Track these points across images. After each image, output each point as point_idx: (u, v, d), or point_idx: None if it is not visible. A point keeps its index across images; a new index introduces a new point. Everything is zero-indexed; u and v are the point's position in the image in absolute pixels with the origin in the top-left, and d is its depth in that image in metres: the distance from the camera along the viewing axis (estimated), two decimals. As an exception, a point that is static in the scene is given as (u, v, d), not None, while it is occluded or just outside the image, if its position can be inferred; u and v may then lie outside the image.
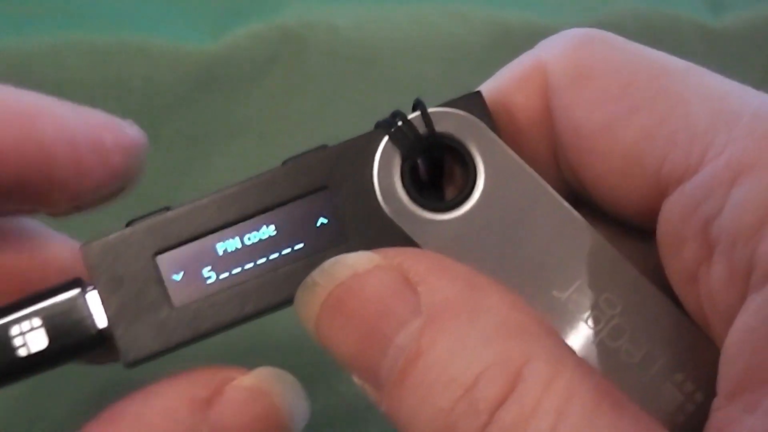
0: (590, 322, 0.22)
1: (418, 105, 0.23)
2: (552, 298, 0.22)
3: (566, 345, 0.20)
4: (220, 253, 0.23)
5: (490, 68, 0.26)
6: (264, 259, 0.23)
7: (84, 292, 0.22)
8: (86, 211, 0.24)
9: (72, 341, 0.22)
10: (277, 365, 0.23)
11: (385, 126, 0.23)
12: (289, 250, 0.23)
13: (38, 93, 0.23)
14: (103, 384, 0.35)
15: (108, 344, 0.22)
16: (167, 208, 0.23)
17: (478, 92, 0.23)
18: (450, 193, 0.24)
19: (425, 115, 0.23)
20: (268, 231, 0.23)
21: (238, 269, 0.23)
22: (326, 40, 0.44)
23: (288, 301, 0.22)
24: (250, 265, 0.23)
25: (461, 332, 0.19)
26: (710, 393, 0.20)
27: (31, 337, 0.22)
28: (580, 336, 0.22)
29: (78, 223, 0.25)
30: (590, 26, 0.26)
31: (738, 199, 0.20)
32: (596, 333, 0.22)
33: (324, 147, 0.23)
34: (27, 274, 0.24)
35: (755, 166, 0.20)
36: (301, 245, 0.23)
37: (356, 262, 0.21)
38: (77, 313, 0.22)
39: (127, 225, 0.23)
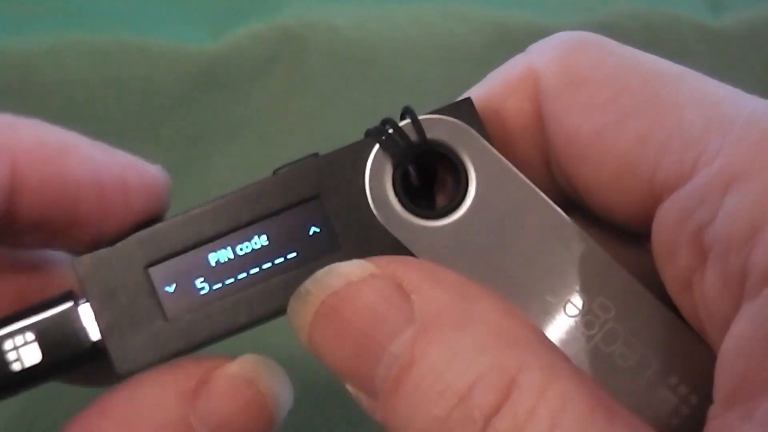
0: (584, 326, 0.22)
1: (407, 113, 0.23)
2: (546, 303, 0.22)
3: (560, 352, 0.20)
4: (213, 263, 0.23)
5: (490, 68, 0.26)
6: (257, 269, 0.23)
7: (77, 305, 0.23)
8: None
9: (65, 355, 0.22)
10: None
11: (375, 134, 0.23)
12: (281, 259, 0.23)
13: (66, 130, 0.23)
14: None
15: (102, 357, 0.22)
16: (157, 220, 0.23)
17: (469, 99, 0.23)
18: (441, 199, 0.24)
19: (416, 123, 0.23)
20: (261, 241, 0.23)
21: (231, 280, 0.23)
22: (326, 40, 0.44)
23: (282, 311, 0.22)
24: (243, 275, 0.23)
25: (455, 340, 0.19)
26: (704, 396, 0.20)
27: (24, 351, 0.22)
28: (574, 341, 0.22)
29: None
30: (590, 26, 0.26)
31: (730, 207, 0.20)
32: (590, 337, 0.22)
33: (315, 155, 0.23)
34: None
35: (748, 172, 0.20)
36: (293, 254, 0.23)
37: (349, 270, 0.21)
38: (70, 326, 0.22)
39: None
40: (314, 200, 0.23)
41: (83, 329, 0.22)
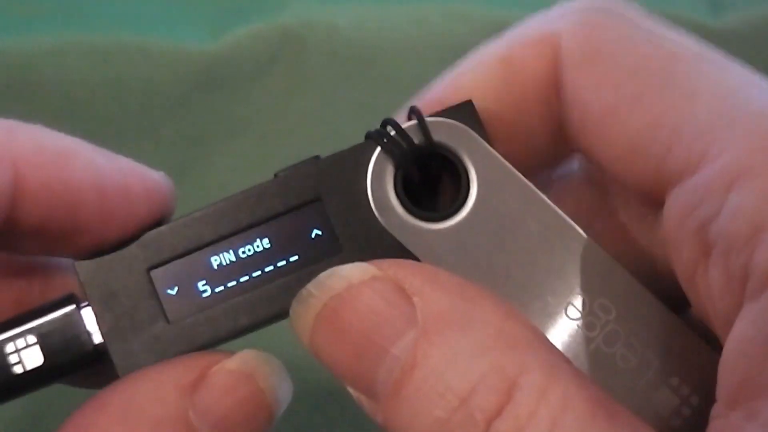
0: (586, 327, 0.22)
1: (413, 114, 0.23)
2: (547, 305, 0.22)
3: (561, 354, 0.20)
4: (215, 266, 0.23)
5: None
6: (259, 272, 0.23)
7: (78, 308, 0.22)
8: None
9: (67, 358, 0.22)
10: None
11: (376, 136, 0.23)
12: (283, 262, 0.23)
13: (68, 136, 0.23)
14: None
15: (104, 360, 0.22)
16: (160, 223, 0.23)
17: (470, 102, 0.23)
18: (442, 201, 0.24)
19: (422, 126, 0.23)
20: (263, 244, 0.23)
21: (233, 282, 0.23)
22: (326, 40, 0.44)
23: (284, 314, 0.22)
24: (245, 278, 0.23)
25: (457, 342, 0.19)
26: (706, 397, 0.20)
27: (26, 354, 0.22)
28: (575, 342, 0.22)
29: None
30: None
31: (734, 205, 0.19)
32: (592, 339, 0.22)
33: (317, 158, 0.23)
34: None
35: (752, 170, 0.19)
36: (295, 257, 0.23)
37: (351, 273, 0.21)
38: (72, 329, 0.22)
39: None
40: (316, 203, 0.23)
41: (85, 332, 0.22)
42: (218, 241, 0.23)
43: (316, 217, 0.23)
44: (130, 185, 0.23)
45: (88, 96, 0.42)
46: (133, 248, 0.23)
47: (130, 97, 0.42)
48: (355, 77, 0.44)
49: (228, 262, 0.23)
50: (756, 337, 0.19)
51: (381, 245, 0.22)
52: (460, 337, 0.20)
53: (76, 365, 0.22)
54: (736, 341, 0.19)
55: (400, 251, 0.22)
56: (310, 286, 0.21)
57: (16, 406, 0.23)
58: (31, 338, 0.22)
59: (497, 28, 0.24)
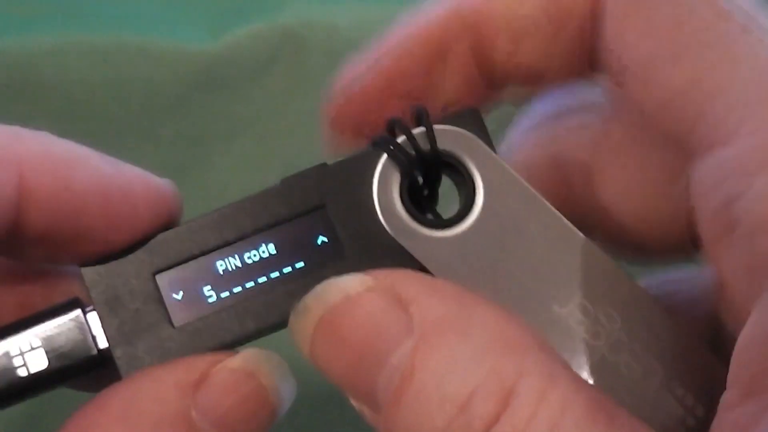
0: (591, 336, 0.22)
1: (421, 119, 0.23)
2: (552, 313, 0.22)
3: (560, 358, 0.20)
4: (220, 271, 0.23)
5: (489, 68, 0.26)
6: (264, 278, 0.23)
7: (83, 312, 0.22)
8: None
9: (72, 362, 0.22)
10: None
11: (383, 143, 0.23)
12: (289, 268, 0.23)
13: (74, 143, 0.23)
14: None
15: (108, 364, 0.22)
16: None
17: (476, 109, 0.23)
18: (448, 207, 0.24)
19: (430, 134, 0.23)
20: (268, 249, 0.23)
21: (239, 288, 0.23)
22: (326, 40, 0.44)
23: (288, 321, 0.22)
24: (251, 283, 0.23)
25: (454, 350, 0.20)
26: (711, 406, 0.20)
27: (30, 357, 0.22)
28: (580, 351, 0.22)
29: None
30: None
31: (761, 187, 0.19)
32: (597, 348, 0.22)
33: (323, 165, 0.23)
34: None
35: None
36: (301, 263, 0.23)
37: (348, 284, 0.21)
38: (77, 333, 0.22)
39: None
40: (322, 209, 0.23)
41: (90, 336, 0.22)
42: (224, 247, 0.23)
43: (322, 223, 0.23)
44: (135, 192, 0.23)
45: (88, 96, 0.42)
46: (138, 253, 0.23)
47: (130, 97, 0.42)
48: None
49: (233, 267, 0.23)
50: None
51: (386, 252, 0.22)
52: (457, 344, 0.20)
53: (80, 369, 0.22)
54: (754, 330, 0.19)
55: (405, 258, 0.22)
56: (307, 299, 0.21)
57: (15, 406, 0.23)
58: (36, 342, 0.22)
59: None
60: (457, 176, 0.23)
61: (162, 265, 0.22)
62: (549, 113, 0.26)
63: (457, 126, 0.23)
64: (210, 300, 0.22)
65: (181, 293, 0.22)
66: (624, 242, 0.25)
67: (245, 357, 0.22)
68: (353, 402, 0.21)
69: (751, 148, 0.19)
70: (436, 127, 0.23)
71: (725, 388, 0.20)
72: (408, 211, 0.22)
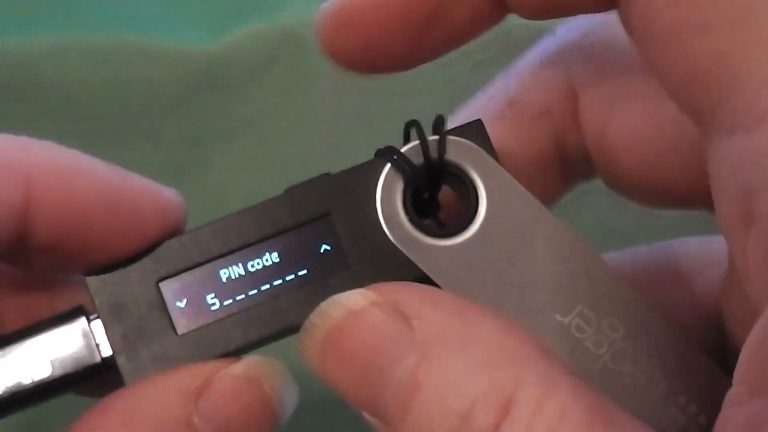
0: (593, 345, 0.22)
1: (438, 130, 0.23)
2: (555, 322, 0.22)
3: (561, 365, 0.20)
4: (224, 279, 0.23)
5: (489, 68, 0.26)
6: (267, 286, 0.23)
7: (88, 320, 0.23)
8: None
9: (75, 370, 0.22)
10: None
11: (386, 153, 0.23)
12: (292, 276, 0.23)
13: (80, 153, 0.23)
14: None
15: (112, 372, 0.23)
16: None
17: (479, 120, 0.23)
18: (452, 217, 0.24)
19: (442, 143, 0.23)
20: (272, 258, 0.23)
21: (242, 296, 0.23)
22: (326, 40, 0.44)
23: (292, 328, 0.22)
24: (254, 291, 0.23)
25: (455, 362, 0.20)
26: (713, 416, 0.20)
27: (34, 365, 0.22)
28: (583, 360, 0.22)
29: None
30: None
31: None
32: (599, 357, 0.22)
33: (327, 175, 0.23)
34: None
35: None
36: (304, 272, 0.23)
37: (350, 300, 0.21)
38: (81, 341, 0.22)
39: None
40: (325, 218, 0.23)
41: (94, 344, 0.22)
42: (227, 255, 0.23)
43: (325, 231, 0.23)
44: (141, 203, 0.23)
45: (88, 96, 0.42)
46: (142, 261, 0.23)
47: (130, 97, 0.42)
48: (355, 77, 0.44)
49: (237, 275, 0.23)
50: None
51: (389, 261, 0.23)
52: (458, 357, 0.20)
53: (84, 377, 0.23)
54: (767, 327, 0.19)
55: (408, 267, 0.22)
56: (313, 317, 0.22)
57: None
58: (40, 350, 0.22)
59: (497, 28, 0.24)
60: (460, 186, 0.23)
61: (166, 273, 0.23)
62: (569, 41, 0.25)
63: (460, 137, 0.23)
64: (213, 308, 0.23)
65: (184, 301, 0.23)
66: (631, 185, 0.24)
67: (248, 364, 0.22)
68: (366, 417, 0.21)
69: None
70: (435, 138, 0.23)
71: (729, 390, 0.19)
72: (411, 219, 0.23)
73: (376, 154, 0.23)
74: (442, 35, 0.23)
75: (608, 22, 0.24)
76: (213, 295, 0.23)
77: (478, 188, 0.23)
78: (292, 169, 0.42)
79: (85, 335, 0.22)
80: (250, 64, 0.44)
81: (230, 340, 0.22)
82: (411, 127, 0.23)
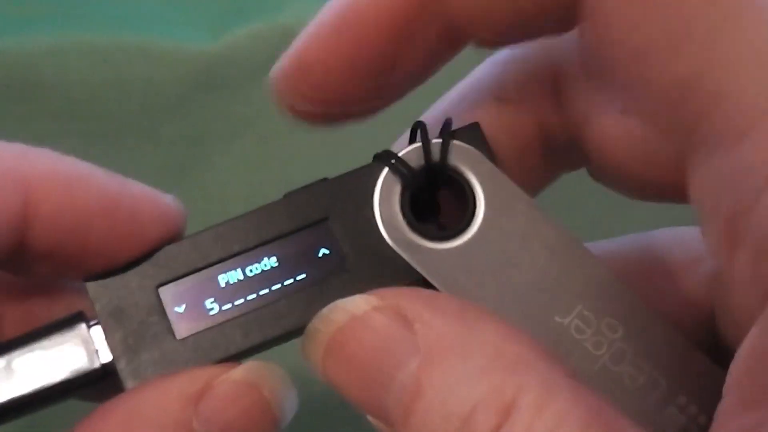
0: (592, 346, 0.23)
1: (444, 133, 0.23)
2: (554, 324, 0.22)
3: (561, 369, 0.20)
4: (222, 284, 0.23)
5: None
6: (266, 290, 0.23)
7: (88, 326, 0.23)
8: None
9: (76, 376, 0.22)
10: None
11: (384, 157, 0.23)
12: (291, 280, 0.23)
13: (79, 160, 0.23)
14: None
15: (112, 377, 0.23)
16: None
17: (477, 123, 0.23)
18: (449, 220, 0.24)
19: (444, 147, 0.23)
20: (270, 262, 0.23)
21: (241, 301, 0.23)
22: (326, 40, 0.44)
23: (291, 333, 0.22)
24: (253, 296, 0.23)
25: (457, 367, 0.20)
26: (713, 416, 0.20)
27: (34, 371, 0.22)
28: (583, 361, 0.22)
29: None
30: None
31: None
32: (599, 357, 0.22)
33: (325, 180, 0.23)
34: None
35: None
36: (303, 276, 0.23)
37: (353, 305, 0.21)
38: (81, 347, 0.22)
39: None
40: (324, 222, 0.23)
41: (93, 350, 0.23)
42: (226, 260, 0.23)
43: (324, 236, 0.23)
44: (140, 210, 0.23)
45: (88, 96, 0.42)
46: (141, 266, 0.23)
47: (130, 97, 0.42)
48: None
49: (236, 280, 0.23)
50: None
51: (388, 264, 0.23)
52: (460, 361, 0.20)
53: (84, 383, 0.23)
54: (755, 344, 0.19)
55: (407, 270, 0.23)
56: (315, 322, 0.22)
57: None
58: (40, 355, 0.22)
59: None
60: (459, 189, 0.23)
61: (165, 279, 0.23)
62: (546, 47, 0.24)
63: (458, 140, 0.23)
64: (212, 312, 0.23)
65: (183, 306, 0.23)
66: (616, 177, 0.24)
67: (247, 369, 0.22)
68: (371, 420, 0.21)
69: (759, 158, 0.19)
70: (438, 142, 0.23)
71: (720, 402, 0.20)
72: (409, 223, 0.23)
73: (374, 158, 0.23)
74: (400, 79, 0.22)
75: None
76: (212, 299, 0.23)
77: (476, 191, 0.23)
78: (291, 169, 0.42)
79: (84, 341, 0.23)
80: (250, 64, 0.44)
81: (229, 344, 0.22)
82: (417, 129, 0.23)
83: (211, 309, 0.23)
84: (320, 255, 0.23)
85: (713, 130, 0.19)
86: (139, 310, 0.23)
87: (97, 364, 0.22)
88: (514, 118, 0.24)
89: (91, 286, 0.23)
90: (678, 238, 0.25)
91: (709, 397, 0.22)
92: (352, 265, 0.23)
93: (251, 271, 0.23)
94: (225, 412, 0.22)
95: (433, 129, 0.23)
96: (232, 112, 0.43)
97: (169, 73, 0.43)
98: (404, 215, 0.23)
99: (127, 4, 0.45)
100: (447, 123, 0.23)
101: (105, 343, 0.22)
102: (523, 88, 0.24)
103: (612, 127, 0.23)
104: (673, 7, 0.20)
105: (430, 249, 0.23)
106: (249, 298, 0.23)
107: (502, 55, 0.25)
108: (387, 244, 0.23)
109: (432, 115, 0.24)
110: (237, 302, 0.23)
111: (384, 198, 0.23)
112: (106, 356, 0.22)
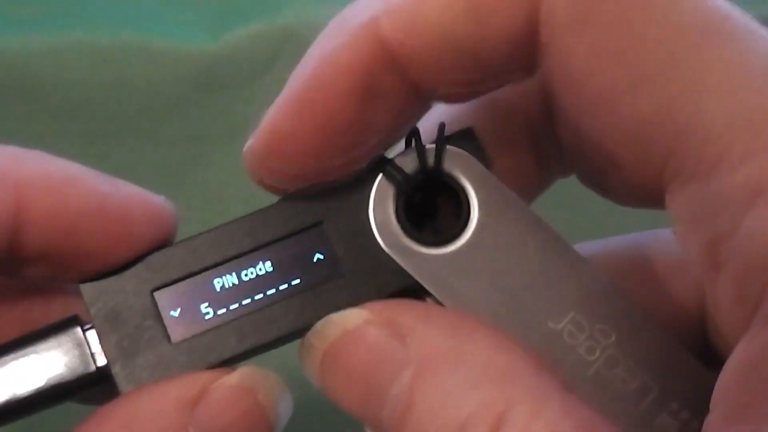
0: (586, 352, 0.22)
1: (415, 140, 0.23)
2: (547, 329, 0.22)
3: (552, 380, 0.20)
4: (218, 289, 0.23)
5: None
6: (261, 295, 0.23)
7: (83, 329, 0.23)
8: None
9: (71, 379, 0.22)
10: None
11: (379, 162, 0.23)
12: (285, 285, 0.23)
13: (70, 162, 0.23)
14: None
15: (107, 380, 0.23)
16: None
17: (471, 128, 0.23)
18: (444, 225, 0.24)
19: (438, 153, 0.23)
20: (265, 267, 0.23)
21: (236, 305, 0.23)
22: (326, 40, 0.44)
23: (286, 337, 0.23)
24: (248, 300, 0.23)
25: (448, 380, 0.20)
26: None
27: (29, 375, 0.22)
28: (576, 366, 0.22)
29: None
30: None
31: (753, 227, 0.19)
32: (592, 363, 0.22)
33: (320, 184, 0.23)
34: None
35: None
36: (297, 280, 0.23)
37: (345, 319, 0.21)
38: (76, 351, 0.22)
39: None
40: (318, 227, 0.23)
41: (89, 354, 0.23)
42: (221, 264, 0.23)
43: (319, 241, 0.23)
44: (131, 211, 0.23)
45: (88, 96, 0.42)
46: (136, 270, 0.23)
47: (130, 97, 0.42)
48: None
49: (231, 284, 0.23)
50: (764, 364, 0.19)
51: (383, 269, 0.23)
52: (451, 375, 0.20)
53: (79, 386, 0.23)
54: (741, 360, 0.19)
55: (401, 275, 0.23)
56: (310, 336, 0.22)
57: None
58: (35, 359, 0.22)
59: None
60: (453, 194, 0.23)
61: (160, 282, 0.23)
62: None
63: (452, 145, 0.23)
64: (207, 317, 0.23)
65: (179, 310, 0.23)
66: (601, 183, 0.24)
67: (243, 374, 0.22)
68: (367, 430, 0.21)
69: (739, 184, 0.19)
70: (433, 147, 0.23)
71: (706, 416, 0.20)
72: (403, 228, 0.23)
73: (368, 163, 0.23)
74: (374, 140, 0.22)
75: None
76: (207, 304, 0.23)
77: (470, 196, 0.23)
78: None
79: (80, 345, 0.23)
80: (250, 64, 0.44)
81: (224, 348, 0.23)
82: (412, 136, 0.23)
83: (207, 313, 0.23)
84: (315, 260, 0.23)
85: (686, 162, 0.20)
86: (135, 314, 0.23)
87: (92, 368, 0.22)
88: (506, 125, 0.24)
89: (86, 290, 0.23)
90: (670, 239, 0.25)
91: (702, 402, 0.22)
92: (347, 269, 0.23)
93: (246, 275, 0.23)
94: (221, 417, 0.22)
95: (430, 135, 0.23)
96: (232, 112, 0.43)
97: (169, 73, 0.43)
98: (399, 220, 0.23)
99: (127, 4, 0.45)
100: (440, 128, 0.23)
101: (100, 346, 0.22)
102: (514, 95, 0.24)
103: (602, 131, 0.23)
104: (631, 47, 0.20)
105: (425, 254, 0.23)
106: (244, 302, 0.23)
107: None
108: (382, 249, 0.23)
109: (427, 122, 0.24)
110: (232, 306, 0.23)
111: (379, 203, 0.23)
112: (101, 359, 0.22)
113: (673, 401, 0.22)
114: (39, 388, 0.22)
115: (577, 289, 0.23)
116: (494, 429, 0.19)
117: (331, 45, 0.21)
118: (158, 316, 0.23)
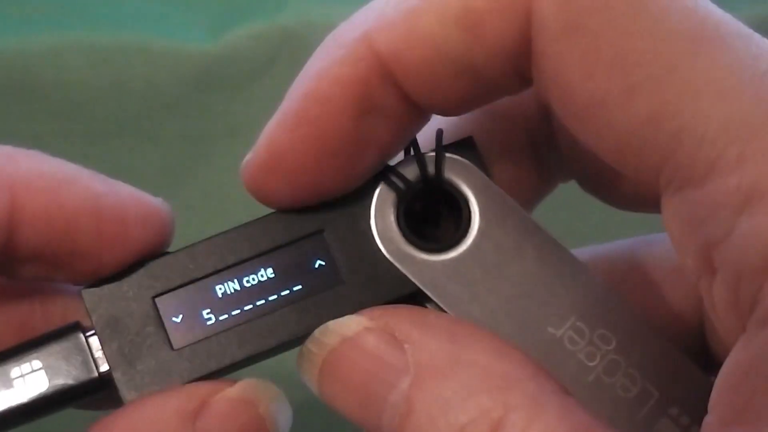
0: (586, 358, 0.23)
1: (437, 146, 0.23)
2: (548, 335, 0.22)
3: (550, 385, 0.20)
4: (219, 295, 0.23)
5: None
6: (263, 301, 0.23)
7: (85, 336, 0.23)
8: None
9: (73, 385, 0.22)
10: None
11: (380, 171, 0.23)
12: (287, 292, 0.23)
13: (66, 162, 0.23)
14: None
15: (109, 387, 0.23)
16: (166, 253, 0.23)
17: (471, 138, 0.23)
18: (445, 231, 0.24)
19: (439, 161, 0.23)
20: (266, 273, 0.23)
21: (237, 311, 0.23)
22: (326, 40, 0.44)
23: (287, 343, 0.23)
24: (249, 307, 0.23)
25: (445, 387, 0.20)
26: None
27: (31, 381, 0.22)
28: (576, 372, 0.22)
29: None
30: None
31: (746, 230, 0.19)
32: (592, 369, 0.22)
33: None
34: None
35: None
36: (299, 287, 0.23)
37: (343, 327, 0.21)
38: (78, 356, 0.23)
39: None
40: (319, 234, 0.23)
41: (91, 360, 0.23)
42: (223, 271, 0.23)
43: (320, 248, 0.23)
44: (127, 211, 0.23)
45: (88, 96, 0.42)
46: (138, 276, 0.23)
47: (130, 97, 0.43)
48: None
49: (232, 290, 0.23)
50: (760, 366, 0.19)
51: (384, 276, 0.23)
52: (449, 381, 0.20)
53: (81, 393, 0.23)
54: (737, 362, 0.19)
55: (402, 282, 0.23)
56: (308, 344, 0.22)
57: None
58: (37, 365, 0.22)
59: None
60: (454, 202, 0.23)
61: (162, 289, 0.23)
62: None
63: (452, 153, 0.23)
64: (209, 323, 0.23)
65: (180, 316, 0.23)
66: (600, 189, 0.24)
67: (244, 386, 0.22)
68: None
69: (732, 189, 0.19)
70: (430, 155, 0.23)
71: (704, 418, 0.20)
72: (404, 235, 0.23)
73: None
74: (369, 160, 0.22)
75: None
76: (209, 310, 0.23)
77: (470, 203, 0.23)
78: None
79: (81, 351, 0.23)
80: (250, 64, 0.44)
81: (226, 354, 0.23)
82: (411, 144, 0.23)
83: (208, 319, 0.23)
84: (316, 266, 0.23)
85: (680, 168, 0.20)
86: (136, 320, 0.23)
87: (94, 374, 0.22)
88: (506, 132, 0.24)
89: (88, 296, 0.23)
90: (667, 244, 0.25)
91: (701, 407, 0.22)
92: (348, 276, 0.23)
93: (248, 281, 0.23)
94: (222, 429, 0.22)
95: (429, 143, 0.23)
96: (232, 112, 0.43)
97: (169, 73, 0.43)
98: (400, 227, 0.23)
99: (127, 4, 0.45)
100: (438, 135, 0.23)
101: (102, 352, 0.22)
102: (514, 102, 0.24)
103: (601, 138, 0.23)
104: (623, 54, 0.20)
105: (426, 261, 0.23)
106: (245, 308, 0.23)
107: None
108: (383, 256, 0.23)
109: (427, 131, 0.24)
110: (233, 313, 0.23)
111: (380, 210, 0.23)
112: (103, 366, 0.23)
113: (673, 406, 0.22)
114: (41, 393, 0.22)
115: (577, 295, 0.23)
116: None
117: (327, 60, 0.22)
118: (160, 323, 0.23)
